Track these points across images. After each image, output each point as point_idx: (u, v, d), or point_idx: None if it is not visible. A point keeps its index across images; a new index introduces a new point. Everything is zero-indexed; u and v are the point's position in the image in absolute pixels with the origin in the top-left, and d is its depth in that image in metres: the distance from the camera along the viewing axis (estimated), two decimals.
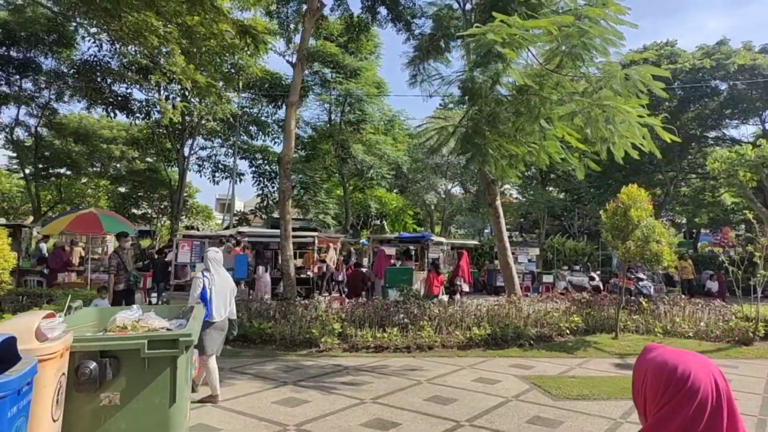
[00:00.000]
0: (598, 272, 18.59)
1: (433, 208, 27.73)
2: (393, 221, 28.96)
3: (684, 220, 37.86)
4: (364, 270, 13.75)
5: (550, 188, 32.01)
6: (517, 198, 34.94)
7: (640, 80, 7.96)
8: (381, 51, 24.00)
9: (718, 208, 28.69)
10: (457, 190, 31.41)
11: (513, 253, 20.25)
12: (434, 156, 23.04)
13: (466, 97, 8.72)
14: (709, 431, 1.18)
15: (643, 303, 11.21)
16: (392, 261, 14.70)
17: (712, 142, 27.71)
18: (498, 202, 13.21)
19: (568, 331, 10.35)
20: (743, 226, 29.30)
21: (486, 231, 29.87)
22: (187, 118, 21.30)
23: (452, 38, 12.79)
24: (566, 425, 5.46)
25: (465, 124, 9.04)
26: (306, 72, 22.42)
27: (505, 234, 12.98)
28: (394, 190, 29.96)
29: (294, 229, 24.66)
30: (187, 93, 20.02)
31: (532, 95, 8.91)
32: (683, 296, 12.42)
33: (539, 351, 9.21)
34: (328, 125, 23.14)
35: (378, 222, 30.07)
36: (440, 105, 28.97)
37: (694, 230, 36.37)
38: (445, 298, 12.35)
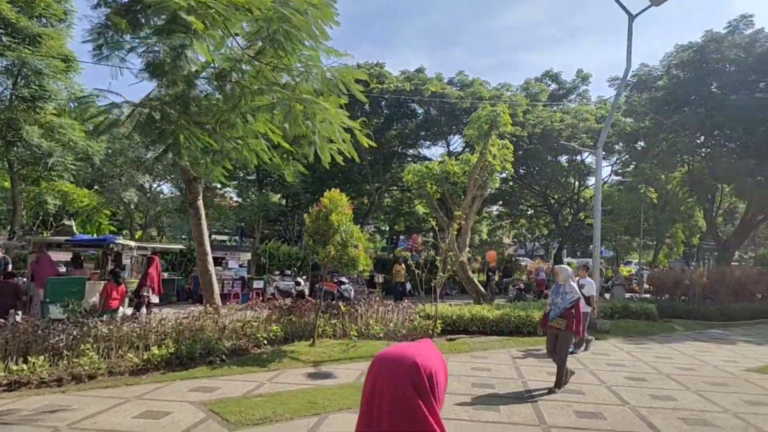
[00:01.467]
0: (304, 277, 18.69)
1: (133, 207, 24.56)
2: (85, 222, 24.69)
3: (387, 228, 42.19)
4: (20, 281, 10.81)
5: (271, 193, 31.83)
6: (237, 201, 33.82)
7: (341, 80, 7.75)
8: (74, 20, 20.08)
9: (412, 217, 32.50)
10: (167, 189, 28.62)
11: (223, 258, 19.08)
12: (135, 148, 20.29)
13: (149, 73, 7.30)
14: None
15: (342, 307, 11.30)
16: (63, 269, 12.01)
17: (410, 159, 31.27)
18: (200, 203, 11.93)
19: (266, 342, 9.68)
20: (431, 233, 34.04)
21: None
22: None
23: (149, 8, 11.06)
24: None
25: (148, 103, 7.58)
26: None
27: (206, 237, 11.76)
28: (95, 187, 25.70)
29: None
30: None
31: (232, 82, 8.01)
32: (377, 298, 13.04)
33: (231, 367, 8.26)
34: None
35: (67, 222, 25.32)
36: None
37: (395, 236, 40.78)
38: (130, 311, 10.48)
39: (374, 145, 8.46)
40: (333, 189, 10.42)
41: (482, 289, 15.31)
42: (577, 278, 10.71)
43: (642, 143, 26.47)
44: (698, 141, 23.49)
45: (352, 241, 9.63)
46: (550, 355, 7.53)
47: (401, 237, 41.50)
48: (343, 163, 9.15)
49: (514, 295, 17.82)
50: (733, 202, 31.65)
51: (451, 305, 13.28)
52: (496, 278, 24.05)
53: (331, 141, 8.60)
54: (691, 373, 9.02)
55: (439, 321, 11.41)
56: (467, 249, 14.97)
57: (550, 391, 7.23)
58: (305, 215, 10.26)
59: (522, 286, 18.33)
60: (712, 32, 21.87)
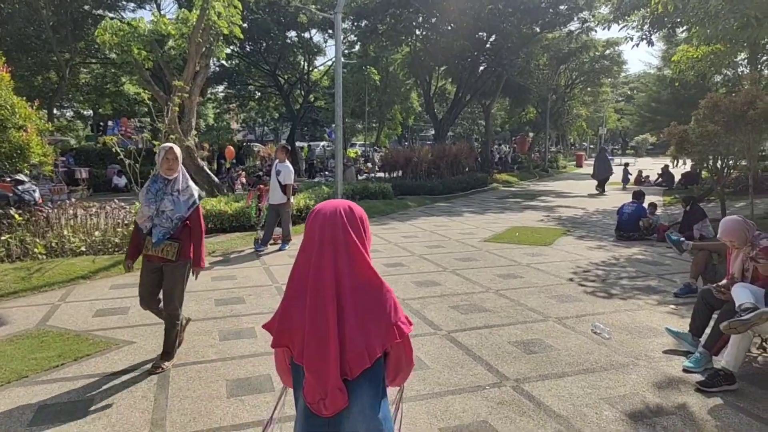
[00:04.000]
0: None
1: None
2: None
3: (90, 112, 35.09)
4: None
5: None
6: None
7: None
8: None
9: (121, 98, 27.18)
10: None
11: None
12: None
13: None
14: None
15: (16, 216, 8.03)
16: None
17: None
18: None
19: None
20: (149, 118, 29.09)
21: None
22: None
23: None
24: None
25: None
26: None
27: None
28: None
29: None
30: None
31: None
32: (75, 200, 9.93)
33: None
34: None
35: None
36: None
37: (101, 122, 34.26)
38: None
39: None
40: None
41: (215, 178, 13.18)
42: (276, 161, 9.13)
43: (367, 22, 26.12)
44: (419, 21, 24.05)
45: (14, 120, 6.44)
46: (145, 304, 4.24)
47: (110, 123, 35.14)
48: None
49: (252, 183, 16.12)
50: (443, 84, 34.63)
51: None
52: (228, 165, 21.95)
53: None
54: (440, 251, 8.90)
55: None
56: (193, 133, 12.44)
57: (156, 368, 4.13)
58: None
59: (261, 173, 16.74)
60: None
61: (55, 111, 30.48)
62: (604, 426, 3.33)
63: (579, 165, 40.25)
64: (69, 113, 36.40)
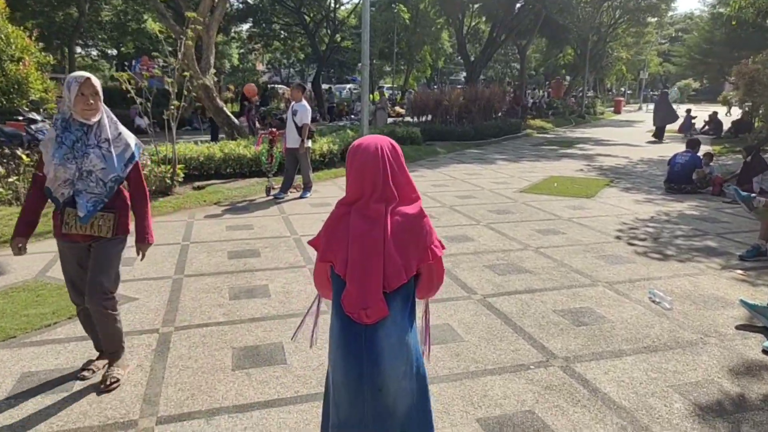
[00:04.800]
0: None
1: None
2: None
3: (115, 52, 34.48)
4: None
5: None
6: None
7: None
8: None
9: (143, 36, 26.43)
10: None
11: None
12: None
13: None
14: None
15: (24, 157, 7.62)
16: None
17: None
18: None
19: None
20: (173, 57, 28.25)
21: None
22: None
23: None
24: None
25: None
26: None
27: None
28: None
29: None
30: None
31: None
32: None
33: None
34: None
35: None
36: None
37: (126, 62, 33.65)
38: None
39: None
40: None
41: (236, 120, 12.59)
42: (292, 102, 8.48)
43: None
44: None
45: (9, 51, 5.88)
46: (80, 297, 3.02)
47: (134, 62, 34.54)
48: None
49: (276, 127, 15.48)
50: (477, 23, 32.81)
51: (197, 143, 10.49)
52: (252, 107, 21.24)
53: None
54: (472, 201, 8.24)
55: (180, 165, 8.64)
56: (212, 71, 11.77)
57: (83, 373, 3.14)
58: None
59: (285, 116, 16.03)
60: None
61: (79, 50, 30.00)
62: (677, 423, 2.76)
63: (618, 111, 38.38)
64: (94, 52, 35.88)
